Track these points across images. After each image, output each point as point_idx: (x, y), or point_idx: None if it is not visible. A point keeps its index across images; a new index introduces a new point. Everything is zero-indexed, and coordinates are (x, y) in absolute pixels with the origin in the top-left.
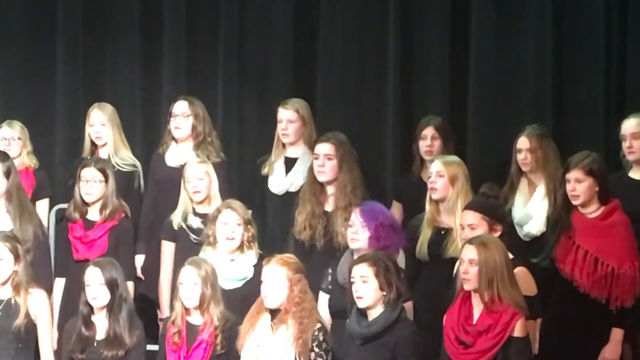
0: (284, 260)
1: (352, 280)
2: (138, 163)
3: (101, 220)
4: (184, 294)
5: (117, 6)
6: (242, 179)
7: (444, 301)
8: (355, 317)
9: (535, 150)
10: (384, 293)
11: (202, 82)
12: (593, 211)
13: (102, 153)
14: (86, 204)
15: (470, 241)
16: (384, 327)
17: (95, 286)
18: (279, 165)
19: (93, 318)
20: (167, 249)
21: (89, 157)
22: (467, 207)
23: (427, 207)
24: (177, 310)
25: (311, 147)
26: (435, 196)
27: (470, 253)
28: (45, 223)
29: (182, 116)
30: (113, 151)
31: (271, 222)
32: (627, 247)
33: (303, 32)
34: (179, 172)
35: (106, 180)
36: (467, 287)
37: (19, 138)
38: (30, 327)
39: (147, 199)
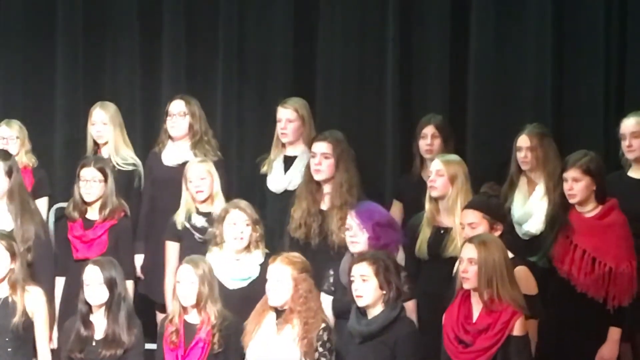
0: (290, 259)
1: (351, 279)
2: (139, 162)
3: (101, 220)
4: (181, 293)
5: (117, 6)
6: (241, 178)
7: (444, 300)
8: (355, 315)
9: (536, 149)
10: (384, 292)
11: (202, 82)
12: (590, 210)
13: (104, 152)
14: (86, 203)
15: (469, 240)
16: (383, 325)
17: (94, 285)
18: (278, 164)
19: (91, 317)
20: (172, 249)
21: (91, 155)
22: (468, 206)
23: (427, 206)
24: (174, 309)
25: (310, 146)
26: (434, 194)
27: (469, 252)
28: None
29: (179, 115)
30: (113, 150)
31: (270, 221)
32: (625, 247)
33: (303, 32)
34: (176, 171)
35: (105, 180)
36: (466, 286)
37: (18, 137)
38: (28, 325)
39: (144, 198)
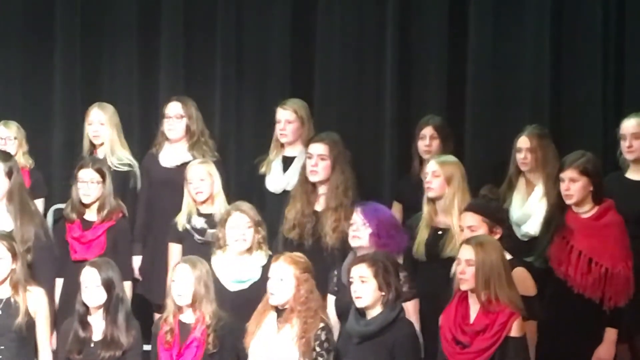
0: (293, 259)
1: (350, 280)
2: (135, 163)
3: (99, 221)
4: (177, 291)
5: (115, 7)
6: (239, 179)
7: (442, 301)
8: (354, 316)
9: (535, 150)
10: (383, 293)
11: (200, 83)
12: (587, 211)
13: (100, 153)
14: (84, 205)
15: (467, 241)
16: (381, 326)
17: (92, 287)
18: (276, 165)
19: (89, 318)
20: (174, 251)
21: (88, 157)
22: (468, 208)
23: (424, 207)
24: (169, 308)
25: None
26: (431, 195)
27: (467, 253)
28: None
29: (175, 117)
30: (110, 151)
31: (268, 221)
32: (621, 247)
33: (301, 33)
34: (173, 172)
35: (103, 181)
36: (463, 287)
37: (15, 138)
38: (30, 325)
39: (142, 199)
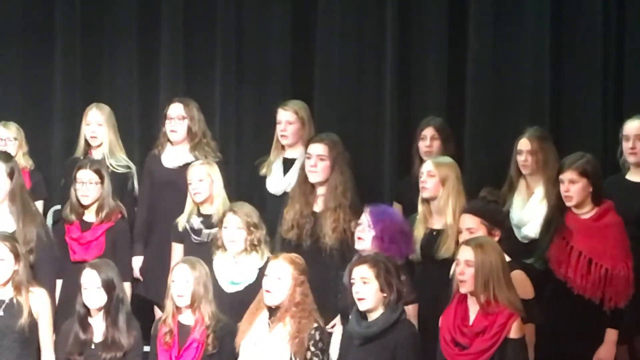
0: (292, 259)
1: (352, 281)
2: (132, 165)
3: (98, 222)
4: (176, 292)
5: (115, 7)
6: (240, 180)
7: (439, 302)
8: (355, 317)
9: (536, 153)
10: (385, 295)
11: (200, 83)
12: (587, 212)
13: (96, 154)
14: (82, 206)
15: (466, 242)
16: (383, 328)
17: (92, 289)
18: (277, 166)
19: (90, 320)
20: (176, 251)
21: (82, 157)
22: (466, 210)
23: (419, 208)
24: (168, 309)
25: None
26: (425, 195)
27: (466, 254)
28: None
29: (178, 119)
30: (108, 152)
31: (269, 223)
32: (621, 248)
33: (301, 34)
34: (175, 173)
35: (102, 182)
36: (463, 290)
37: (15, 138)
38: (33, 326)
39: (143, 200)
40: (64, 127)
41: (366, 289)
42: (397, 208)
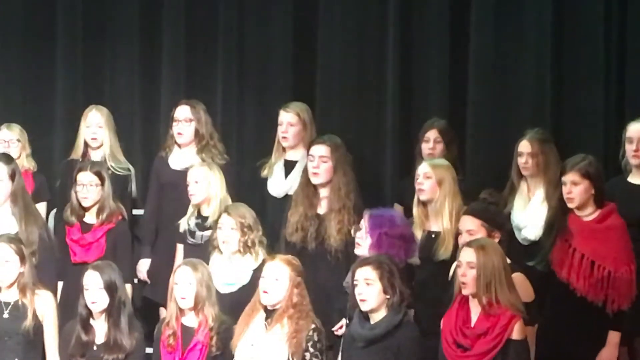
0: (289, 260)
1: (355, 282)
2: (131, 167)
3: (98, 223)
4: (179, 294)
5: (117, 9)
6: (241, 182)
7: (439, 304)
8: (358, 319)
9: (537, 155)
10: (388, 296)
11: (202, 86)
12: (589, 214)
13: (94, 155)
14: (83, 208)
15: (468, 244)
16: (387, 330)
17: (94, 290)
18: (278, 168)
19: (92, 322)
20: (179, 251)
21: (80, 159)
22: (467, 212)
23: (414, 211)
24: (171, 311)
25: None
26: (422, 197)
27: (468, 256)
28: None
29: (185, 121)
30: (109, 154)
31: (270, 225)
32: (623, 250)
33: (302, 35)
34: (182, 175)
35: (102, 184)
36: (465, 292)
37: (18, 140)
38: (38, 328)
39: (151, 202)
40: (66, 128)
41: (369, 290)
42: (398, 209)
